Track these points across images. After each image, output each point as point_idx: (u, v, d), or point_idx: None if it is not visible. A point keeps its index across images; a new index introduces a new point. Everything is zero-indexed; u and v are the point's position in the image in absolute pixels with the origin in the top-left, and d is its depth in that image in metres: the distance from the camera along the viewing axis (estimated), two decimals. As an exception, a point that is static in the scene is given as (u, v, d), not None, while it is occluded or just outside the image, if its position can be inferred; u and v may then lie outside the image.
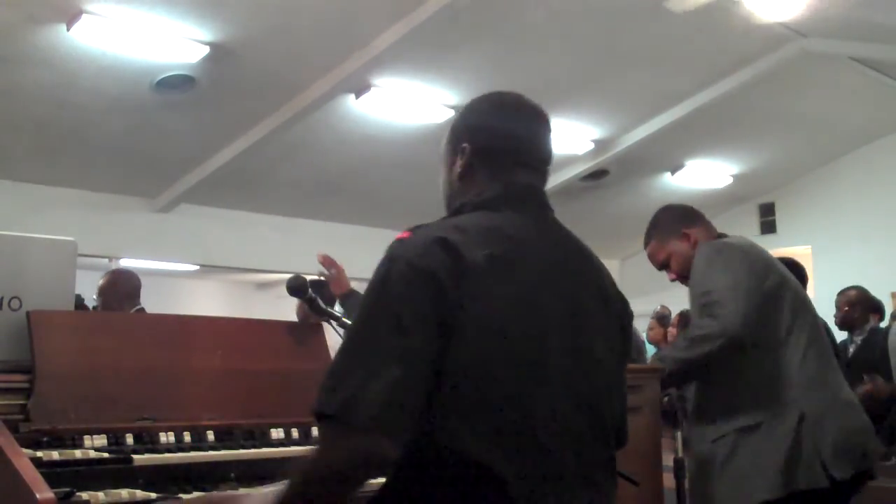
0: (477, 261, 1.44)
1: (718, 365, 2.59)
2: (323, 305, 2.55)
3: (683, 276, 2.83)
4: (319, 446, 1.40)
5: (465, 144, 1.66)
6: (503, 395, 1.44)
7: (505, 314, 1.46)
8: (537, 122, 1.71)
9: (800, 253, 7.65)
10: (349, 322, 2.55)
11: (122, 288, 4.26)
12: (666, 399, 3.32)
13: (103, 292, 4.24)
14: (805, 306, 2.67)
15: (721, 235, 2.86)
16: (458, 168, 1.66)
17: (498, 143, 1.66)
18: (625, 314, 1.70)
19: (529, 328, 1.49)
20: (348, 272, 2.95)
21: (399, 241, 1.50)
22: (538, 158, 1.70)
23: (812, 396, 2.53)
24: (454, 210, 1.65)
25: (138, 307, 4.22)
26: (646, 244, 2.91)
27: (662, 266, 2.88)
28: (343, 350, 1.42)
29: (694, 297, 2.67)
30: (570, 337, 1.54)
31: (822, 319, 2.86)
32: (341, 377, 1.36)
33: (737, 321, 2.48)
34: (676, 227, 2.83)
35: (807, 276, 4.11)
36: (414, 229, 1.51)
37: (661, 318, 7.49)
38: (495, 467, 1.42)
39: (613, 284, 1.70)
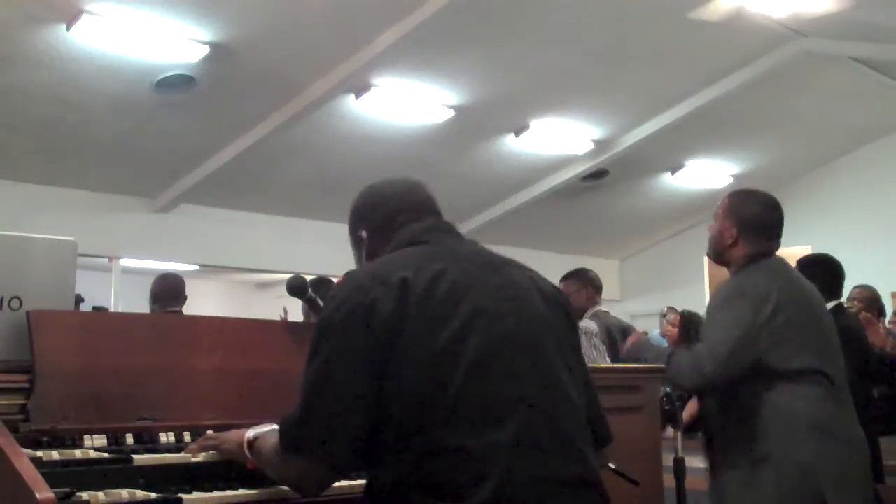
0: (409, 276, 1.60)
1: (732, 396, 2.71)
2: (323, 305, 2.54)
3: (709, 241, 2.95)
4: (282, 464, 1.70)
5: (361, 232, 1.86)
6: (457, 385, 1.55)
7: (444, 312, 1.59)
8: (408, 184, 1.91)
9: (800, 253, 7.64)
10: None
11: (155, 289, 4.80)
12: (665, 399, 3.32)
13: (151, 294, 4.82)
14: (826, 346, 2.73)
15: (760, 255, 2.85)
16: (364, 250, 1.86)
17: (383, 211, 1.85)
18: (564, 301, 1.82)
19: (471, 321, 1.59)
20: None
21: (336, 285, 1.70)
22: (423, 209, 1.86)
23: (817, 437, 2.59)
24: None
25: (174, 308, 4.65)
26: (729, 194, 3.00)
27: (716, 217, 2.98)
28: (300, 389, 1.64)
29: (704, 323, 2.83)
30: (516, 324, 1.64)
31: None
32: (295, 417, 1.64)
33: (716, 372, 2.64)
34: (737, 218, 2.87)
35: (840, 274, 4.21)
36: (347, 274, 1.72)
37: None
38: (475, 462, 1.50)
39: (542, 278, 1.83)
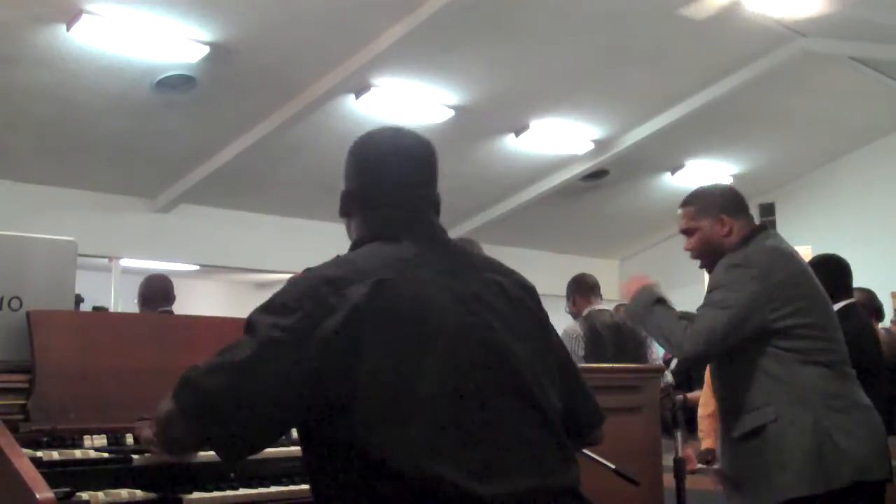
0: (365, 292, 1.53)
1: (736, 362, 2.63)
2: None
3: (699, 256, 2.82)
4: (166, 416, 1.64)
5: (343, 189, 1.82)
6: (417, 404, 1.50)
7: (401, 328, 1.53)
8: (402, 160, 1.80)
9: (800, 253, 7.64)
10: None
11: (144, 291, 4.78)
12: (665, 398, 3.32)
13: (139, 296, 4.81)
14: (827, 320, 2.67)
15: (758, 229, 2.78)
16: (340, 203, 1.83)
17: (363, 186, 1.79)
18: (530, 299, 1.76)
19: (429, 334, 1.55)
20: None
21: (291, 279, 1.63)
22: (405, 192, 1.77)
23: (818, 403, 2.54)
24: (350, 248, 1.77)
25: (165, 308, 4.64)
26: (683, 205, 2.85)
27: (684, 232, 2.84)
28: (223, 361, 1.55)
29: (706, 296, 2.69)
30: (476, 334, 1.60)
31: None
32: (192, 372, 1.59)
33: (699, 343, 2.55)
34: (718, 210, 2.77)
35: (847, 273, 4.12)
36: (305, 271, 1.64)
37: None
38: (428, 474, 1.47)
39: (511, 276, 1.76)
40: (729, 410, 2.68)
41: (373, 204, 1.76)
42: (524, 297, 1.74)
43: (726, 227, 2.75)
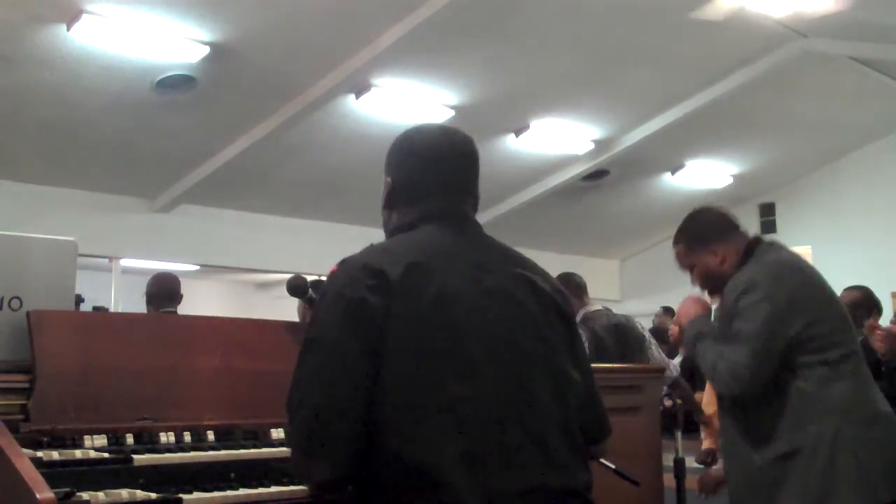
0: (399, 273, 1.59)
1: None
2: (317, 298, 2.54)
3: (704, 288, 2.82)
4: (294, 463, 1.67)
5: (388, 178, 1.87)
6: (433, 389, 1.54)
7: (428, 313, 1.57)
8: (451, 157, 1.85)
9: (800, 253, 7.63)
10: None
11: (151, 289, 4.77)
12: (666, 398, 3.32)
13: (146, 294, 4.80)
14: (842, 322, 2.64)
15: (753, 243, 2.75)
16: (385, 195, 1.87)
17: (411, 180, 1.83)
18: (562, 303, 1.78)
19: (453, 323, 1.58)
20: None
21: (330, 275, 1.68)
22: (451, 188, 1.83)
23: (851, 416, 2.50)
24: (387, 235, 1.84)
25: (170, 308, 4.64)
26: (675, 243, 2.89)
27: (686, 269, 2.85)
28: (292, 381, 1.60)
29: (724, 318, 2.65)
30: (500, 329, 1.63)
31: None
32: (288, 408, 1.59)
33: (731, 385, 2.53)
34: (706, 242, 2.77)
35: None
36: (340, 263, 1.69)
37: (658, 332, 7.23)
38: (439, 471, 1.49)
39: (546, 278, 1.80)
40: (752, 435, 2.58)
41: (416, 197, 1.80)
42: (554, 298, 1.76)
43: (719, 257, 2.74)
